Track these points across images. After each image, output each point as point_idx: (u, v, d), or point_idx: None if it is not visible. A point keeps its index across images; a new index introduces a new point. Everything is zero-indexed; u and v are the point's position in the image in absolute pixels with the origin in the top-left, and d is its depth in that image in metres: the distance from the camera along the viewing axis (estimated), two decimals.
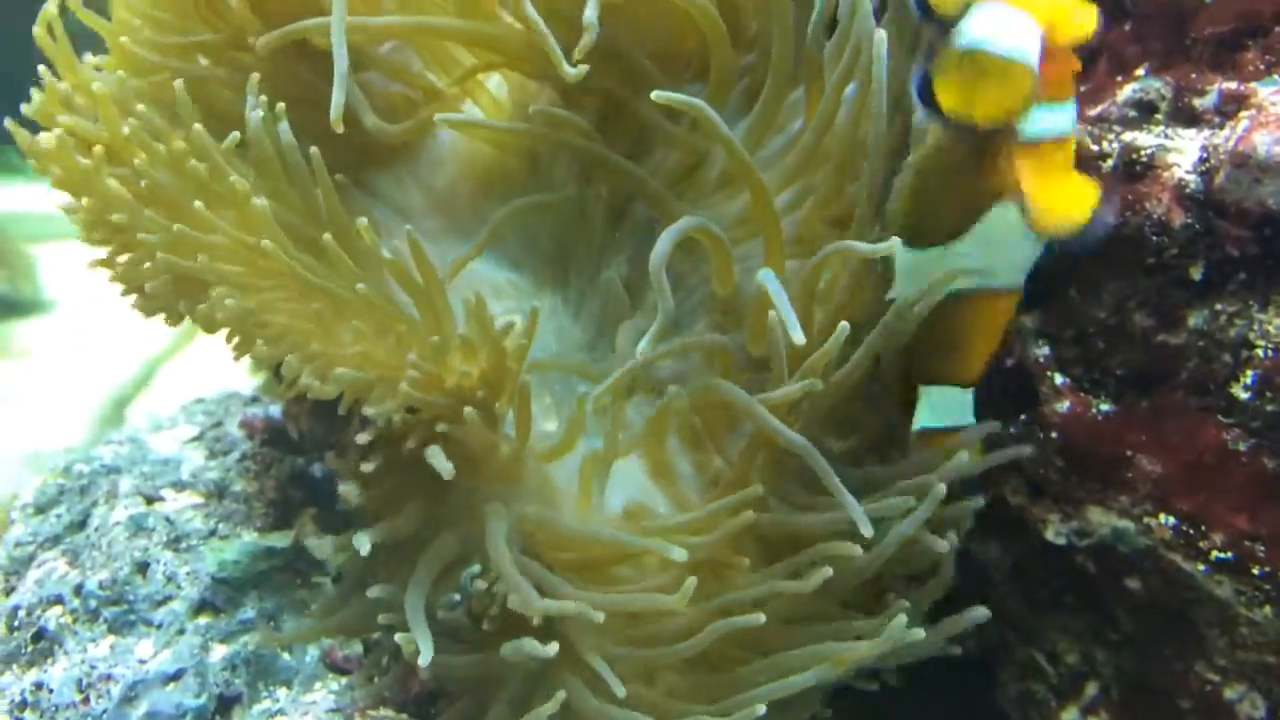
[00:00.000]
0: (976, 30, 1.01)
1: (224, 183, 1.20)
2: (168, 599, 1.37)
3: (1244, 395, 1.07)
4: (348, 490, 1.44)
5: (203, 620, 1.36)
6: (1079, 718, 1.26)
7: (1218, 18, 1.12)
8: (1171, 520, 1.12)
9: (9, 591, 1.47)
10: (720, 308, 1.35)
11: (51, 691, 1.30)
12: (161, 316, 1.32)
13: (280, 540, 1.46)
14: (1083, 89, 1.20)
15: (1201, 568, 1.10)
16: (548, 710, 1.08)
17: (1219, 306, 1.08)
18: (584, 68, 1.25)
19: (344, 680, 1.34)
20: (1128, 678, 1.23)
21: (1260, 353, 1.06)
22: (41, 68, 1.33)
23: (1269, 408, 1.06)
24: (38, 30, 1.33)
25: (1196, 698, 1.17)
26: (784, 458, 1.20)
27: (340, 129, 1.21)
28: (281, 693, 1.33)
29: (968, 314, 1.15)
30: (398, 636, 1.10)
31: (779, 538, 1.21)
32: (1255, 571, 1.08)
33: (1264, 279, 1.06)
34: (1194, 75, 1.12)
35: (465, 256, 1.41)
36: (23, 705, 1.30)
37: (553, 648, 1.07)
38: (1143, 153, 1.11)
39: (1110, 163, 1.13)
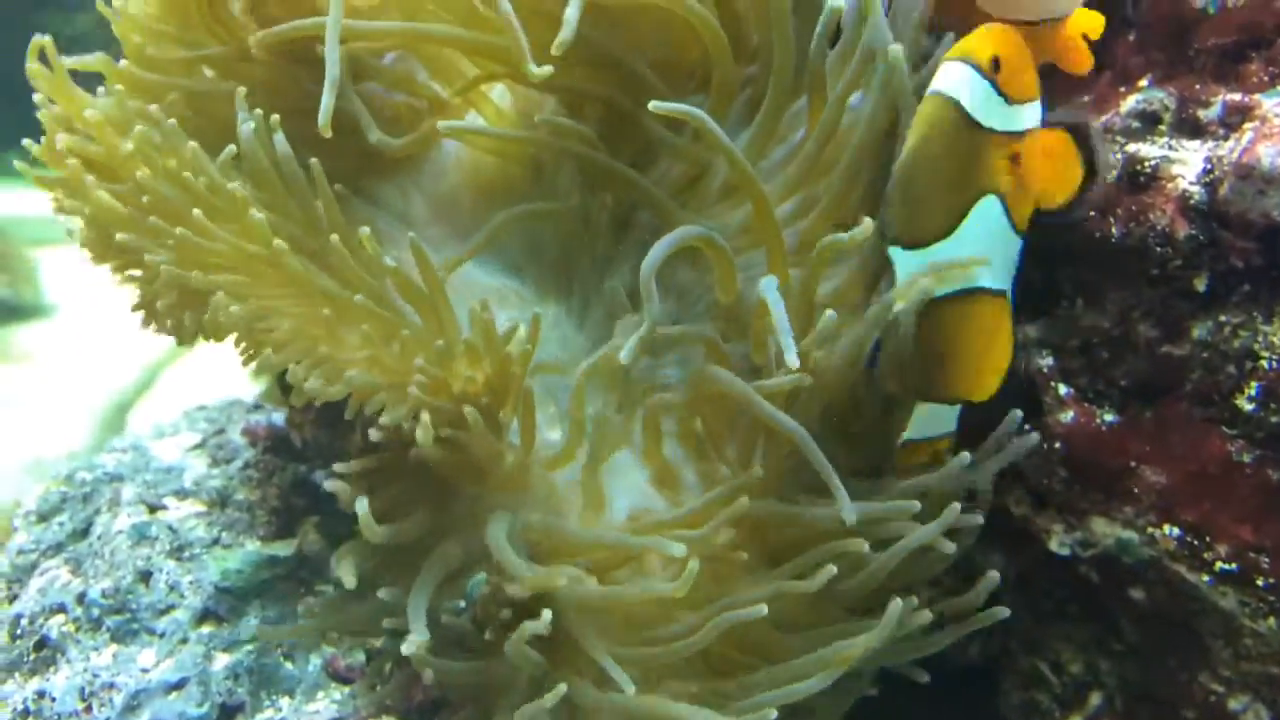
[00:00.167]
0: None
1: (223, 196, 1.21)
2: (170, 608, 1.37)
3: (1248, 406, 1.07)
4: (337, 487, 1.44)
5: (206, 629, 1.36)
6: None
7: (1220, 29, 1.12)
8: (1176, 531, 1.12)
9: (12, 599, 1.47)
10: (724, 316, 1.35)
11: (54, 700, 1.30)
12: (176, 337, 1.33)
13: (283, 549, 1.46)
14: (1085, 99, 1.20)
15: (1206, 579, 1.10)
16: (549, 701, 1.08)
17: (1223, 318, 1.08)
18: (548, 68, 1.24)
19: (346, 689, 1.34)
20: (1131, 688, 1.23)
21: (1265, 364, 1.06)
22: (37, 97, 1.35)
23: (1273, 419, 1.06)
24: (31, 66, 1.34)
25: (1200, 708, 1.16)
26: (785, 461, 1.20)
27: (329, 134, 1.20)
28: (284, 702, 1.33)
29: (953, 317, 1.14)
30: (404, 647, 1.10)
31: (782, 543, 1.20)
32: (1260, 583, 1.08)
33: (1268, 290, 1.06)
34: (1197, 86, 1.12)
35: (461, 257, 1.41)
36: (25, 714, 1.30)
37: (547, 615, 1.08)
38: (1147, 164, 1.11)
39: (1114, 174, 1.14)
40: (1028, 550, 1.24)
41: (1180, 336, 1.11)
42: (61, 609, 1.39)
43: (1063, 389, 1.19)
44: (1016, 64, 1.10)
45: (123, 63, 1.38)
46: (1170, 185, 1.10)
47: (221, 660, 1.33)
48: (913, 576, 1.19)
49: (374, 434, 1.16)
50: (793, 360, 1.10)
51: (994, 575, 1.17)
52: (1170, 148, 1.12)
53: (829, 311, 1.14)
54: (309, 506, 1.54)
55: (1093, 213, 1.15)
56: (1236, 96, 1.09)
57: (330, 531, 1.49)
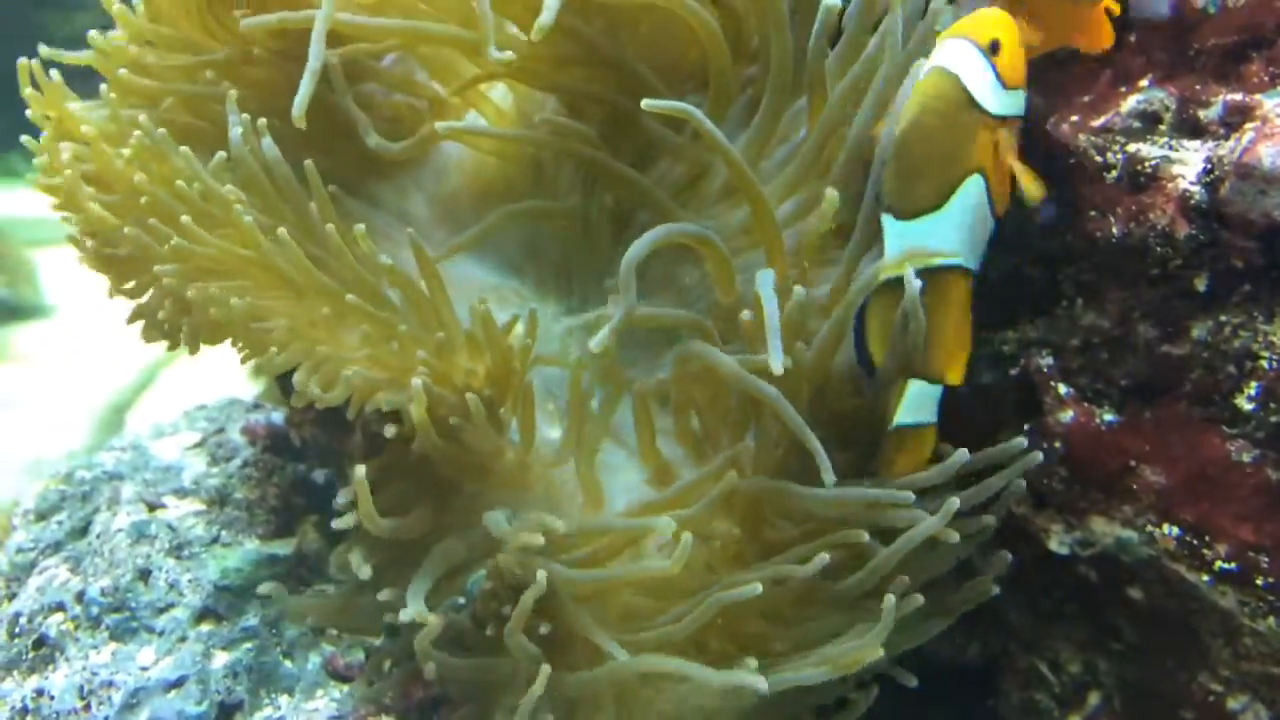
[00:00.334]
0: None
1: (216, 201, 1.21)
2: (170, 606, 1.37)
3: (1248, 406, 1.07)
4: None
5: (205, 628, 1.36)
6: None
7: (1221, 29, 1.12)
8: (1175, 531, 1.12)
9: (10, 598, 1.47)
10: (723, 315, 1.35)
11: (53, 698, 1.29)
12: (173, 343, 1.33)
13: (282, 548, 1.46)
14: (1086, 99, 1.20)
15: (1205, 578, 1.11)
16: (536, 691, 1.08)
17: (1223, 318, 1.08)
18: (510, 53, 1.24)
19: (346, 688, 1.34)
20: (1130, 687, 1.23)
21: (1264, 364, 1.06)
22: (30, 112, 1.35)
23: (1273, 419, 1.06)
24: (26, 92, 1.34)
25: (1199, 708, 1.17)
26: (775, 451, 1.20)
27: (303, 125, 1.20)
28: (283, 700, 1.33)
29: (938, 291, 1.14)
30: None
31: (780, 540, 1.20)
32: (1259, 582, 1.08)
33: (1268, 290, 1.06)
34: (1198, 86, 1.12)
35: (459, 243, 1.41)
36: (24, 712, 1.30)
37: (542, 578, 1.08)
38: (1147, 164, 1.11)
39: (1114, 174, 1.14)
40: (1027, 549, 1.23)
41: (1180, 336, 1.11)
42: (60, 607, 1.39)
43: (1063, 389, 1.19)
44: (1013, 50, 1.12)
45: (121, 71, 1.38)
46: (1171, 185, 1.10)
47: (220, 658, 1.33)
48: (916, 574, 1.20)
49: (389, 430, 1.16)
50: (777, 366, 1.09)
51: (1005, 555, 1.19)
52: (1171, 148, 1.12)
53: (799, 288, 1.15)
54: (308, 505, 1.54)
55: (1093, 213, 1.15)
56: (1237, 96, 1.09)
57: (329, 530, 1.49)
